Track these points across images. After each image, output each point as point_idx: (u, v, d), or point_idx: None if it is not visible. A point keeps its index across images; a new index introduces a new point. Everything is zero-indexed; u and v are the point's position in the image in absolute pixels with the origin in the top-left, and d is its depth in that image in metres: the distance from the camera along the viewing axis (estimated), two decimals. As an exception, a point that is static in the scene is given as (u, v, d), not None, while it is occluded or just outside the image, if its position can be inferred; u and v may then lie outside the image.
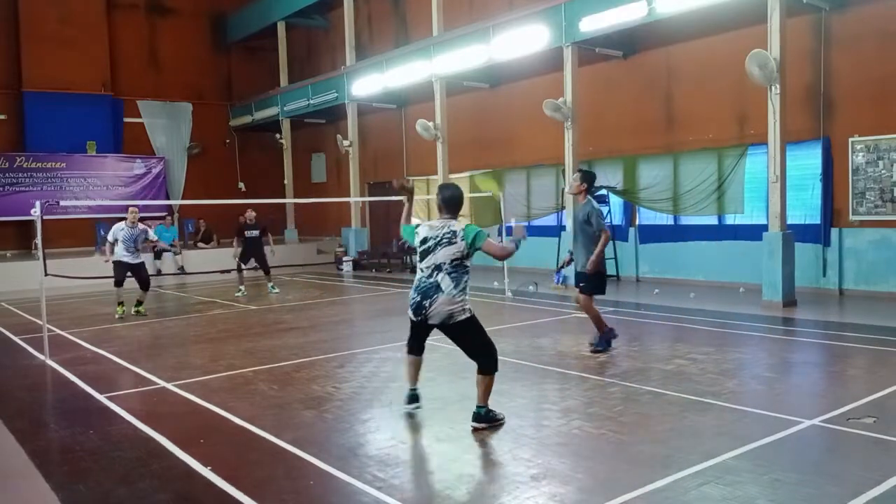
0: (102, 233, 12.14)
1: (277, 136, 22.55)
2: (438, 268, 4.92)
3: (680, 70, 12.98)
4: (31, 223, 16.06)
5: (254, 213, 13.48)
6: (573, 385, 6.25)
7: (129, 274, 11.19)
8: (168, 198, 22.23)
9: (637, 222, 13.95)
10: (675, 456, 4.34)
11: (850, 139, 10.70)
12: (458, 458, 4.55)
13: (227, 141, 24.78)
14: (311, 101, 20.51)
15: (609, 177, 13.87)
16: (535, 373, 6.67)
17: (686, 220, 13.17)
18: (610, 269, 12.20)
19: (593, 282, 7.32)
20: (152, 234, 11.54)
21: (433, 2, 16.35)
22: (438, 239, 4.94)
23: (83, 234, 20.28)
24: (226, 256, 14.15)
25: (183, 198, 22.44)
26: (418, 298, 4.97)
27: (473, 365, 5.10)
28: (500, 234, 14.79)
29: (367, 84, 18.09)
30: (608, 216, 13.51)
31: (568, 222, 13.16)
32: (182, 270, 18.14)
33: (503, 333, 8.49)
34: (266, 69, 24.47)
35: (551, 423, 5.13)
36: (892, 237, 10.42)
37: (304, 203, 21.64)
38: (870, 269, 10.68)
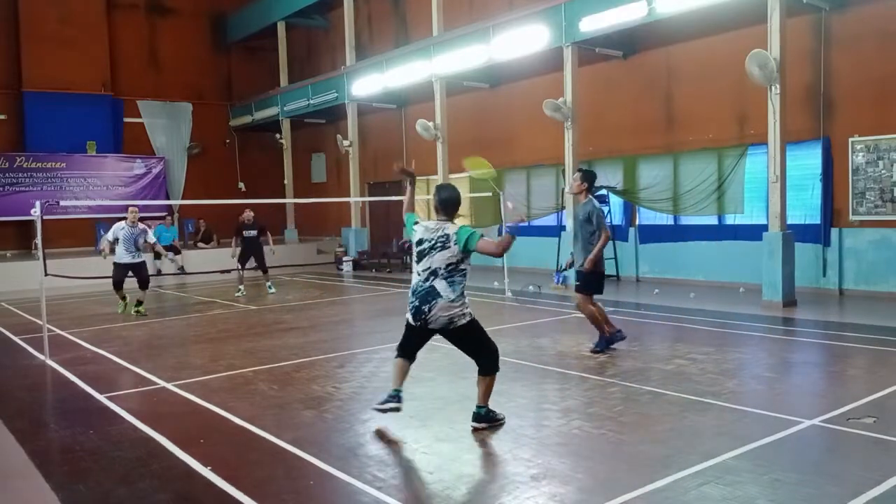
0: (102, 233, 12.16)
1: (277, 136, 22.55)
2: (434, 273, 4.83)
3: (680, 70, 12.98)
4: (31, 223, 16.07)
5: (252, 214, 13.54)
6: (573, 385, 6.25)
7: (129, 273, 11.22)
8: (168, 198, 22.23)
9: (637, 222, 13.95)
10: (675, 456, 4.34)
11: (850, 139, 10.70)
12: (458, 458, 4.55)
13: (227, 141, 24.78)
14: (311, 101, 20.52)
15: (609, 177, 13.87)
16: (535, 373, 6.67)
17: (686, 220, 13.18)
18: (610, 269, 12.20)
19: (590, 281, 7.31)
20: (151, 236, 11.54)
21: (433, 2, 16.36)
22: (433, 242, 4.87)
23: (83, 234, 20.29)
24: (225, 256, 14.18)
25: (183, 198, 22.44)
26: (417, 303, 4.88)
27: (473, 365, 5.09)
28: (500, 234, 14.79)
29: (367, 84, 18.09)
30: (608, 216, 13.51)
31: (568, 222, 13.16)
32: (182, 270, 18.14)
33: (503, 333, 8.48)
34: (266, 69, 24.47)
35: (551, 423, 5.13)
36: (892, 237, 10.42)
37: (304, 203, 21.65)
38: (870, 269, 10.68)
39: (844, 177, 10.81)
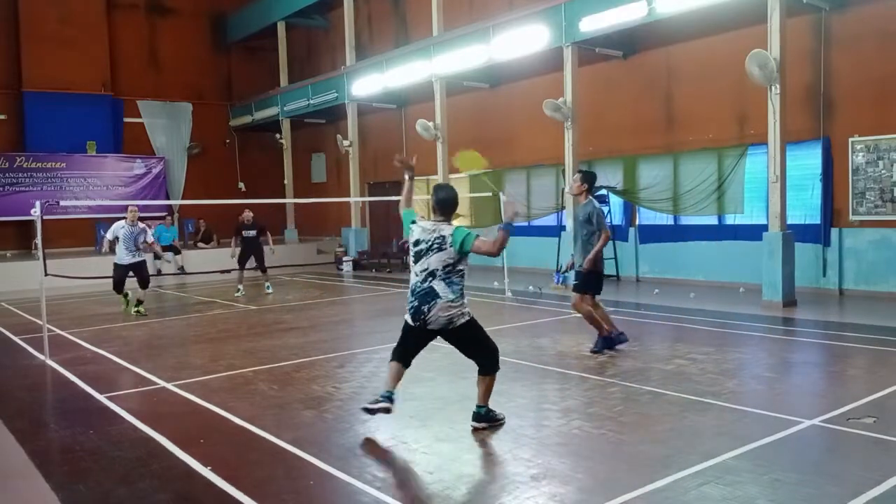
0: (102, 233, 12.18)
1: (277, 136, 22.55)
2: (432, 274, 4.81)
3: (680, 70, 12.98)
4: (31, 223, 16.06)
5: (251, 214, 13.60)
6: (573, 385, 6.25)
7: (130, 274, 11.23)
8: (168, 198, 22.23)
9: (637, 222, 13.95)
10: (675, 456, 4.34)
11: (850, 139, 10.70)
12: (458, 458, 4.55)
13: (227, 141, 24.78)
14: (311, 101, 20.52)
15: (609, 177, 13.86)
16: (535, 373, 6.67)
17: (686, 220, 13.17)
18: (610, 269, 12.21)
19: (588, 281, 7.30)
20: (149, 236, 11.56)
21: (433, 2, 16.36)
22: (430, 244, 4.84)
23: (83, 234, 20.29)
24: (225, 256, 14.20)
25: (183, 198, 22.44)
26: (416, 303, 4.86)
27: (473, 365, 5.08)
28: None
29: (367, 84, 18.09)
30: (608, 216, 13.51)
31: (568, 222, 13.17)
32: (182, 270, 18.14)
33: (503, 333, 8.48)
34: (266, 69, 24.46)
35: (551, 423, 5.13)
36: (892, 237, 10.42)
37: (304, 203, 21.64)
38: (870, 269, 10.68)
39: (844, 177, 10.81)
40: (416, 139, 17.38)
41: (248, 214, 13.55)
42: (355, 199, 19.23)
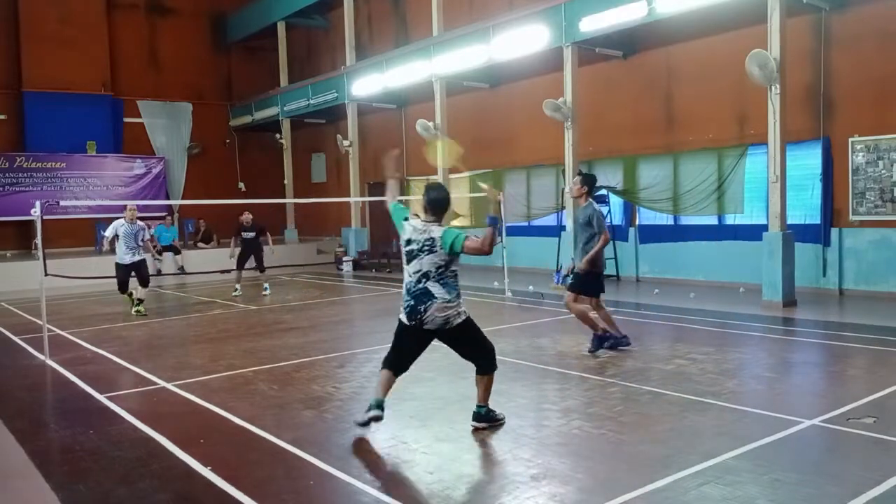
0: (102, 232, 12.21)
1: (277, 136, 22.55)
2: (426, 275, 4.78)
3: (680, 70, 12.98)
4: (31, 223, 16.05)
5: (250, 216, 13.73)
6: (573, 385, 6.25)
7: (132, 274, 11.28)
8: (168, 198, 22.23)
9: (637, 222, 13.95)
10: (675, 456, 4.34)
11: (850, 139, 10.70)
12: (458, 458, 4.55)
13: (227, 141, 24.77)
14: (311, 101, 20.52)
15: (609, 177, 13.86)
16: (535, 373, 6.67)
17: (686, 220, 13.17)
18: (610, 269, 12.20)
19: (584, 281, 7.29)
20: (147, 233, 11.59)
21: (433, 2, 16.36)
22: (420, 245, 4.80)
23: (83, 234, 20.28)
24: (225, 256, 14.24)
25: (183, 198, 22.44)
26: (412, 303, 4.82)
27: (473, 365, 5.09)
28: (499, 234, 14.77)
29: (367, 84, 18.09)
30: (608, 216, 13.51)
31: (568, 222, 13.17)
32: (182, 270, 18.15)
33: (503, 333, 8.49)
34: (266, 69, 24.46)
35: (551, 423, 5.13)
36: (892, 237, 10.42)
37: (304, 203, 21.64)
38: (870, 269, 10.68)
39: (844, 177, 10.81)
40: (416, 139, 17.38)
41: (247, 216, 13.66)
42: (355, 199, 19.23)
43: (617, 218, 14.04)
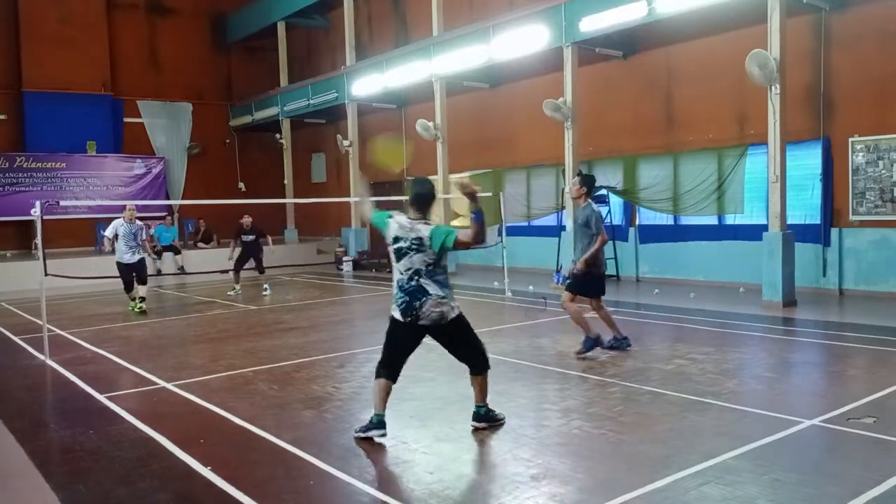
0: (103, 232, 12.26)
1: (277, 136, 22.55)
2: (417, 272, 4.76)
3: (680, 70, 12.98)
4: (31, 223, 16.06)
5: (250, 219, 13.93)
6: (573, 385, 6.25)
7: (134, 274, 11.35)
8: (168, 198, 22.23)
9: (637, 222, 13.95)
10: (675, 456, 4.34)
11: (850, 139, 10.69)
12: (458, 458, 4.56)
13: (227, 141, 24.77)
14: (311, 101, 20.51)
15: (609, 177, 13.87)
16: (535, 373, 6.67)
17: (686, 220, 13.17)
18: (610, 269, 12.19)
19: (581, 282, 7.27)
20: (144, 233, 11.62)
21: (433, 2, 16.35)
22: (409, 243, 4.76)
23: (83, 234, 20.28)
24: (226, 256, 14.28)
25: (183, 198, 22.44)
26: (407, 299, 4.78)
27: (467, 366, 5.06)
28: (499, 234, 14.79)
29: (367, 84, 18.09)
30: (608, 216, 13.52)
31: (568, 223, 13.17)
32: (182, 270, 18.15)
33: (503, 333, 8.49)
34: (266, 69, 24.46)
35: (551, 423, 5.13)
36: (892, 237, 10.41)
37: (304, 203, 21.64)
38: (870, 269, 10.68)
39: (844, 177, 10.81)
40: (416, 139, 17.38)
41: (247, 220, 13.88)
42: (355, 199, 19.18)
43: (617, 218, 14.04)
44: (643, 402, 5.59)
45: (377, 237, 20.19)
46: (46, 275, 8.34)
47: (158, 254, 17.64)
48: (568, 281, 7.59)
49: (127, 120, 22.63)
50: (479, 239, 4.68)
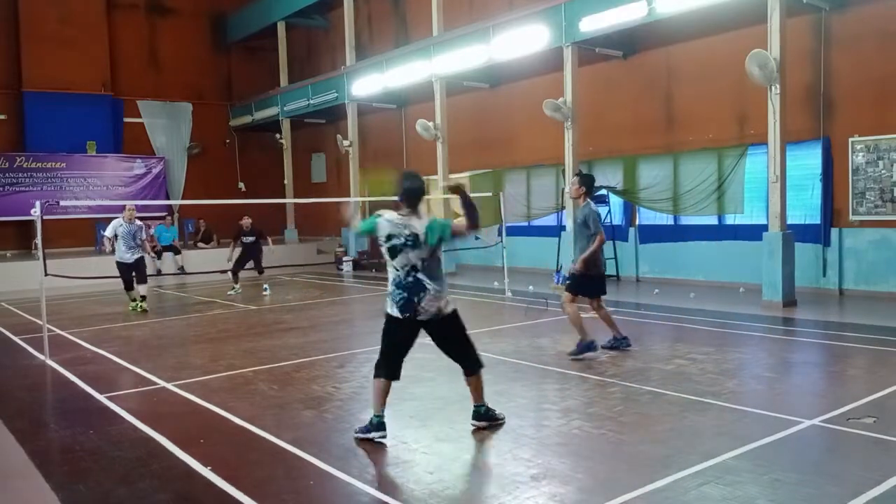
0: (102, 232, 12.28)
1: (277, 136, 22.55)
2: (414, 268, 4.74)
3: (680, 70, 12.98)
4: (31, 223, 16.06)
5: (249, 221, 14.00)
6: (573, 385, 6.25)
7: (133, 273, 11.35)
8: (168, 198, 22.23)
9: (637, 222, 13.95)
10: (675, 456, 4.34)
11: (850, 139, 10.69)
12: (458, 458, 4.56)
13: (227, 141, 24.77)
14: (311, 101, 20.51)
15: (609, 177, 13.87)
16: (535, 373, 6.66)
17: (686, 220, 13.17)
18: (610, 269, 12.20)
19: (579, 283, 7.26)
20: (144, 233, 11.63)
21: (433, 2, 16.35)
22: (403, 240, 4.74)
23: (83, 234, 20.27)
24: (225, 256, 14.29)
25: (183, 198, 22.44)
26: (405, 295, 4.76)
27: (461, 367, 5.05)
28: (499, 234, 14.80)
29: (367, 84, 18.09)
30: (608, 216, 13.52)
31: (568, 223, 13.17)
32: (182, 270, 18.15)
33: (503, 333, 8.49)
34: (266, 69, 24.46)
35: (551, 423, 5.13)
36: (892, 237, 10.41)
37: (304, 203, 21.64)
38: (870, 269, 10.68)
39: (844, 177, 10.81)
40: (416, 139, 17.39)
41: (246, 221, 13.94)
42: (355, 199, 19.20)
43: (617, 218, 14.04)
44: (643, 402, 5.59)
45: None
46: (46, 275, 8.34)
47: (158, 254, 17.66)
48: (568, 282, 7.58)
49: (127, 120, 22.63)
50: (472, 224, 4.77)
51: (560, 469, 4.25)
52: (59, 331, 9.79)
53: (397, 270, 4.81)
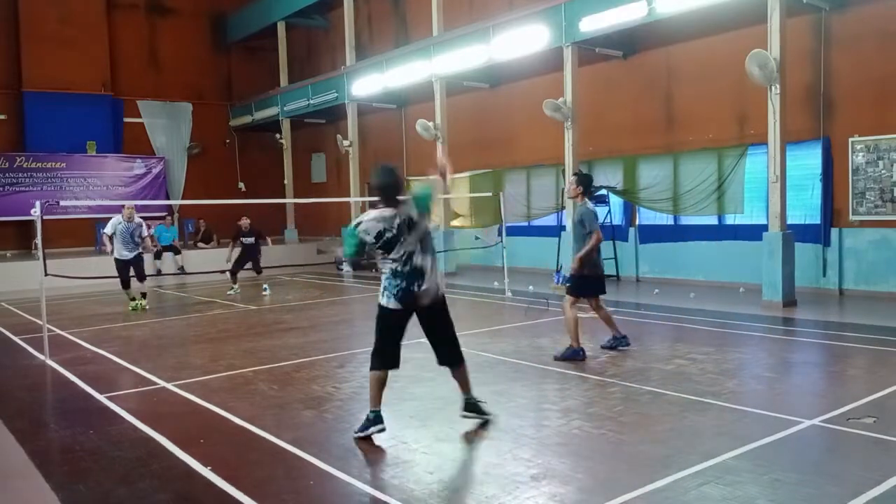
0: (103, 230, 12.29)
1: (277, 136, 22.54)
2: (412, 254, 4.77)
3: (680, 70, 12.98)
4: (31, 223, 16.06)
5: (248, 221, 14.05)
6: (573, 385, 6.25)
7: (132, 274, 11.36)
8: (168, 198, 22.23)
9: (637, 222, 13.95)
10: (675, 456, 4.34)
11: (850, 139, 10.69)
12: (458, 458, 4.56)
13: (227, 141, 24.76)
14: (311, 101, 20.51)
15: (609, 177, 13.87)
16: (535, 373, 6.66)
17: (686, 220, 13.17)
18: (610, 269, 12.21)
19: (578, 283, 7.26)
20: (143, 231, 11.63)
21: (433, 2, 16.35)
22: (398, 229, 4.73)
23: (83, 234, 20.27)
24: (225, 257, 14.30)
25: (183, 198, 22.44)
26: (403, 285, 4.76)
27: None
28: (499, 234, 14.79)
29: (367, 84, 18.09)
30: (608, 216, 13.52)
31: (568, 223, 13.17)
32: (182, 270, 18.14)
33: (503, 333, 8.49)
34: (266, 69, 24.45)
35: (551, 423, 5.13)
36: (892, 237, 10.41)
37: (304, 203, 21.64)
38: (870, 269, 10.68)
39: (844, 177, 10.81)
40: (416, 139, 17.39)
41: (245, 222, 13.99)
42: (355, 199, 19.21)
43: (617, 218, 14.04)
44: (643, 402, 5.59)
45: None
46: (46, 275, 8.33)
47: (158, 254, 17.65)
48: (568, 284, 7.58)
49: (127, 120, 22.63)
50: (444, 176, 5.03)
51: (560, 469, 4.25)
52: (59, 331, 9.79)
53: (394, 262, 4.81)
